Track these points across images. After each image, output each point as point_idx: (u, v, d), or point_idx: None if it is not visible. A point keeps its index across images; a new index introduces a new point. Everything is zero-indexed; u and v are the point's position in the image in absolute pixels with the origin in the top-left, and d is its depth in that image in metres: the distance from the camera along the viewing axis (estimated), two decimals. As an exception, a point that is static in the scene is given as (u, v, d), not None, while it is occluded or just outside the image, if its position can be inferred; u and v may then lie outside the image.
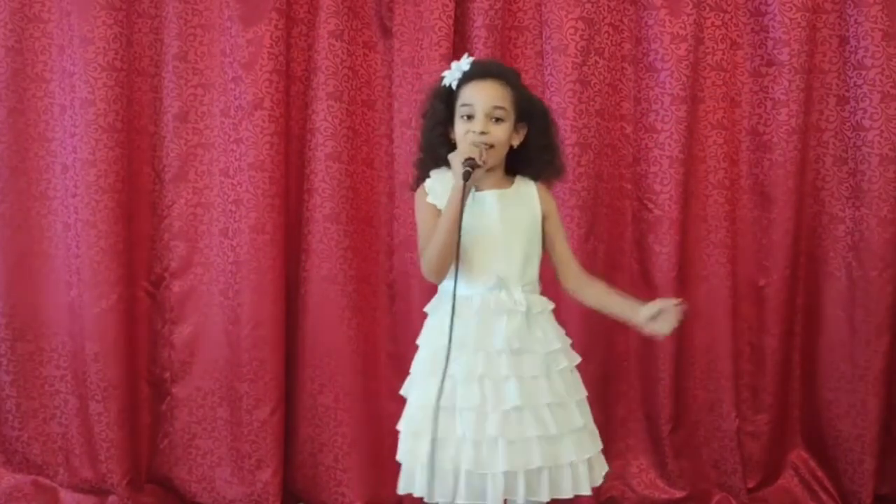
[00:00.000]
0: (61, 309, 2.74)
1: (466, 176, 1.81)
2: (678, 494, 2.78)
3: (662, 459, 2.79)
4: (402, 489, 1.95)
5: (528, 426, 1.86)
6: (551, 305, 1.99)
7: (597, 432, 2.01)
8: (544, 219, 2.00)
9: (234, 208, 2.69)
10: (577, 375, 1.99)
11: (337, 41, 2.66)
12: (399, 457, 1.96)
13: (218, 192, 2.72)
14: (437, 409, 1.82)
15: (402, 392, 2.01)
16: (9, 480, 2.75)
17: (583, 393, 1.98)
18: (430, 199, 1.94)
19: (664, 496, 2.79)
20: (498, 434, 1.83)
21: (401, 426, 1.97)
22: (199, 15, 2.70)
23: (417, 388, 1.95)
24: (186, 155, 2.73)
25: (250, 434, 2.70)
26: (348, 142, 2.69)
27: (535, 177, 2.03)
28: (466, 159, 1.83)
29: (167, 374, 2.79)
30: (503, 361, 1.86)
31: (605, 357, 2.76)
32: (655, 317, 1.87)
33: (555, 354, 1.93)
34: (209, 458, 2.76)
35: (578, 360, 2.00)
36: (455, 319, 1.84)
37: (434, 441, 1.82)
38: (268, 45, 2.62)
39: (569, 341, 2.00)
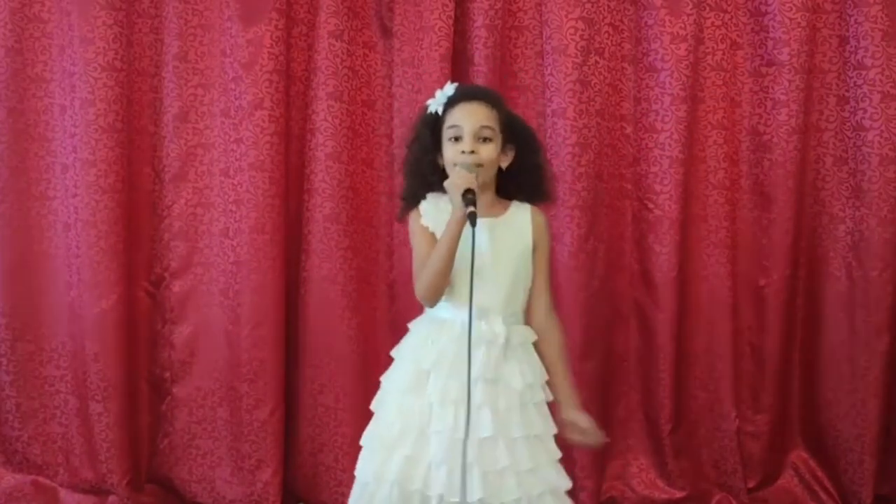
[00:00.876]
0: (61, 309, 2.74)
1: (472, 217, 1.75)
2: (678, 494, 2.78)
3: (662, 459, 2.79)
4: None
5: (501, 457, 1.83)
6: (533, 337, 1.95)
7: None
8: (534, 249, 1.97)
9: (234, 208, 2.69)
10: (548, 411, 1.95)
11: (337, 41, 2.66)
12: (357, 472, 1.91)
13: (218, 192, 2.73)
14: (465, 438, 1.77)
15: (372, 406, 1.97)
16: (9, 480, 2.75)
17: (554, 429, 1.94)
18: (423, 222, 1.92)
19: (664, 496, 2.79)
20: (473, 461, 1.80)
21: (367, 441, 1.94)
22: (199, 15, 2.70)
23: (393, 404, 1.90)
24: (186, 155, 2.73)
25: (250, 434, 2.70)
26: (348, 142, 2.69)
27: (529, 200, 2.00)
28: (466, 191, 1.79)
29: (167, 374, 2.79)
30: (478, 389, 1.83)
31: (605, 357, 2.76)
32: (577, 428, 1.89)
33: (531, 387, 1.89)
34: (209, 459, 2.76)
35: (551, 397, 1.95)
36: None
37: (462, 469, 1.78)
38: (268, 45, 2.62)
39: (545, 377, 1.94)
